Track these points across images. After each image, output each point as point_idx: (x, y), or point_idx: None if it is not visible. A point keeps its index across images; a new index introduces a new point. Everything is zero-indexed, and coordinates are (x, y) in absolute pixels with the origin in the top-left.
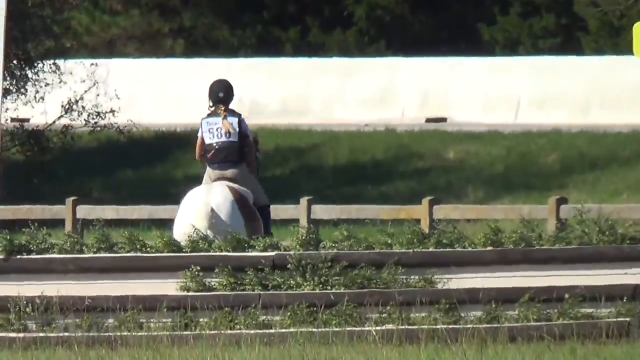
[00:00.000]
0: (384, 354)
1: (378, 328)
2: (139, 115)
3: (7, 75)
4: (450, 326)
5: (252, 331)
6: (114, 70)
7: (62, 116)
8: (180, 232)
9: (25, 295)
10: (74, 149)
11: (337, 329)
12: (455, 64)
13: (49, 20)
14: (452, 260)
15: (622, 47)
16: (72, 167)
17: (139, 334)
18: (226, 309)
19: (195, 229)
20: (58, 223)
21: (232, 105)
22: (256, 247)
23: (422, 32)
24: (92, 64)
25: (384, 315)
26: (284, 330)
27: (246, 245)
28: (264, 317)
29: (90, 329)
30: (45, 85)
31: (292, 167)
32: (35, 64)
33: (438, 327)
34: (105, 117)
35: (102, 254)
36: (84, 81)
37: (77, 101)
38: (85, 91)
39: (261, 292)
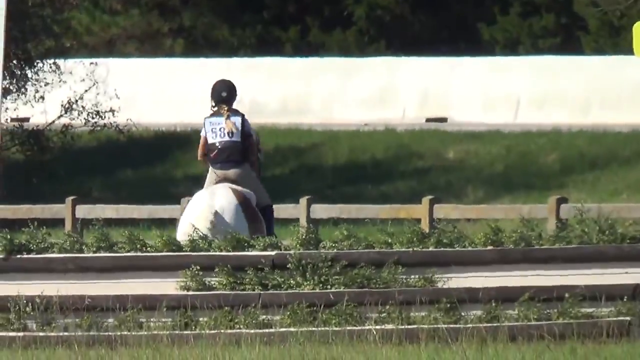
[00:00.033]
0: (384, 353)
1: (378, 327)
2: (139, 114)
3: (7, 74)
4: (451, 325)
5: (252, 330)
6: (113, 70)
7: (61, 116)
8: (184, 233)
9: (25, 295)
10: (73, 149)
11: (337, 329)
12: (455, 63)
13: (49, 20)
14: (452, 260)
15: (622, 46)
16: (71, 167)
17: (139, 333)
18: (226, 308)
19: (196, 229)
20: (58, 222)
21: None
22: (256, 246)
23: (422, 31)
24: (91, 64)
25: (384, 314)
26: (284, 329)
27: (246, 244)
28: (264, 316)
29: (90, 328)
30: (45, 85)
31: (292, 167)
32: (35, 64)
33: (438, 326)
34: (105, 116)
35: (102, 254)
36: (83, 81)
37: (77, 101)
38: (85, 91)
39: (261, 292)
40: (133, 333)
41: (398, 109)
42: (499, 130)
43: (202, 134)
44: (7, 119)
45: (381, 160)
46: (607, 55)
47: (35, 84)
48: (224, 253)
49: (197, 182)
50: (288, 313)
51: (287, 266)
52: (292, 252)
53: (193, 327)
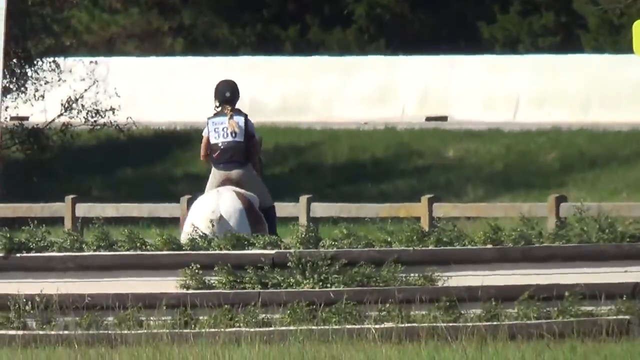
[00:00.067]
0: (384, 352)
1: (378, 326)
2: (139, 113)
3: (7, 73)
4: (450, 324)
5: (252, 329)
6: (113, 69)
7: (61, 114)
8: (189, 234)
9: (25, 293)
10: (73, 147)
11: (336, 327)
12: (455, 62)
13: (49, 18)
14: (451, 258)
15: (622, 45)
16: (71, 166)
17: (139, 331)
18: (226, 306)
19: (195, 227)
20: (58, 221)
21: None
22: (256, 245)
23: (422, 30)
24: (91, 62)
25: (384, 313)
26: (283, 328)
27: (246, 243)
28: (264, 315)
29: (90, 327)
30: (45, 84)
31: (291, 166)
32: (35, 62)
33: (438, 325)
34: (104, 115)
35: (102, 252)
36: (83, 79)
37: (76, 99)
38: (85, 89)
39: (261, 290)
40: (133, 331)
41: (398, 108)
42: (499, 129)
43: (205, 133)
44: (6, 118)
45: (381, 159)
46: (607, 53)
47: (35, 83)
48: (223, 252)
49: (197, 181)
50: (288, 312)
51: (287, 265)
52: (292, 250)
53: (193, 326)
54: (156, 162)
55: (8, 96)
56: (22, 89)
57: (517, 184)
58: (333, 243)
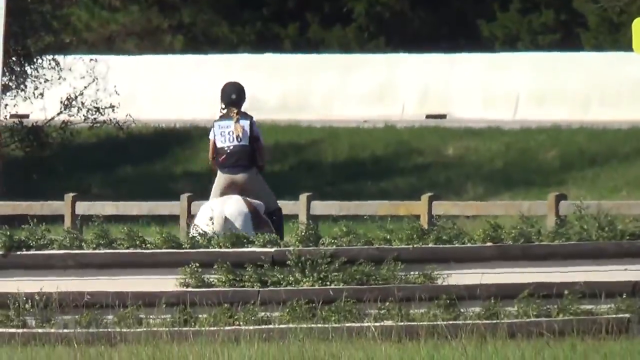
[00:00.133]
0: (384, 350)
1: (377, 324)
2: (138, 111)
3: (6, 71)
4: (450, 322)
5: (251, 327)
6: (113, 66)
7: (61, 112)
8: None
9: (24, 291)
10: (73, 145)
11: (336, 325)
12: (455, 60)
13: (48, 16)
14: (451, 256)
15: (622, 43)
16: (71, 163)
17: (139, 330)
18: (225, 305)
19: (195, 226)
20: (57, 219)
21: None
22: (255, 243)
23: (422, 28)
24: (91, 60)
25: (383, 311)
26: (283, 326)
27: (245, 241)
28: (263, 313)
29: (89, 325)
30: (45, 81)
31: (291, 163)
32: (35, 60)
33: (437, 323)
34: (104, 113)
35: (102, 250)
36: (83, 77)
37: (76, 97)
38: (85, 87)
39: (260, 289)
40: (132, 330)
41: (398, 106)
42: (499, 127)
43: (211, 137)
44: (6, 116)
45: (381, 156)
46: (606, 51)
47: (34, 81)
48: (223, 250)
49: (196, 179)
50: (287, 310)
51: (287, 263)
52: (291, 248)
53: (192, 324)
54: (156, 160)
55: (7, 94)
56: (22, 86)
57: (517, 182)
58: (333, 241)
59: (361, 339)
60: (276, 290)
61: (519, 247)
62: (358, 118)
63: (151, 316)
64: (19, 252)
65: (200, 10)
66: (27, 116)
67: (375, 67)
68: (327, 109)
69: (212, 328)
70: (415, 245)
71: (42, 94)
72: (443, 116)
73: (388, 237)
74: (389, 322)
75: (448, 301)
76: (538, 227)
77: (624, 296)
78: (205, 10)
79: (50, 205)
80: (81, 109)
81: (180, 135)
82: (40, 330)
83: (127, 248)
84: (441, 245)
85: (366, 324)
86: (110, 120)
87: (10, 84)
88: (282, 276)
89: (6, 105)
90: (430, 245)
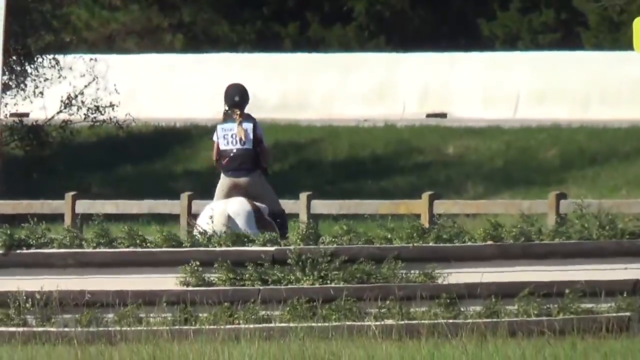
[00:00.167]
0: (384, 348)
1: (378, 323)
2: (139, 110)
3: (6, 70)
4: (450, 321)
5: (252, 326)
6: (113, 65)
7: (61, 111)
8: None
9: (24, 290)
10: (73, 144)
11: (336, 324)
12: (455, 59)
13: (48, 15)
14: (452, 255)
15: (622, 42)
16: (71, 162)
17: (139, 328)
18: (226, 303)
19: (197, 226)
20: (57, 218)
21: None
22: (256, 241)
23: (422, 27)
24: (91, 59)
25: (384, 310)
26: (283, 325)
27: (246, 240)
28: (264, 312)
29: (89, 323)
30: (45, 80)
31: (291, 162)
32: (35, 59)
33: (438, 321)
34: (104, 112)
35: (102, 249)
36: (83, 76)
37: (76, 96)
38: (85, 86)
39: (261, 287)
40: (133, 328)
41: (398, 105)
42: (499, 126)
43: (215, 139)
44: (6, 115)
45: (381, 155)
46: (607, 50)
47: (34, 80)
48: (223, 248)
49: (196, 178)
50: (288, 308)
51: (287, 261)
52: (291, 247)
53: (193, 323)
54: (156, 158)
55: (8, 93)
56: (22, 85)
57: (517, 181)
58: (333, 240)
59: (362, 337)
60: (277, 289)
61: (520, 246)
62: (358, 117)
63: (151, 315)
64: (19, 251)
65: (200, 9)
66: (27, 115)
67: (375, 66)
68: (327, 108)
69: (212, 327)
70: (415, 244)
71: (42, 93)
72: (443, 115)
73: (388, 236)
74: (389, 321)
75: (448, 300)
76: (538, 226)
77: (625, 295)
78: (206, 9)
79: (50, 204)
80: (81, 108)
81: (180, 134)
82: (40, 329)
83: (128, 247)
84: (442, 244)
85: (367, 323)
86: (111, 119)
87: (11, 83)
88: (282, 275)
89: (6, 104)
90: (430, 244)
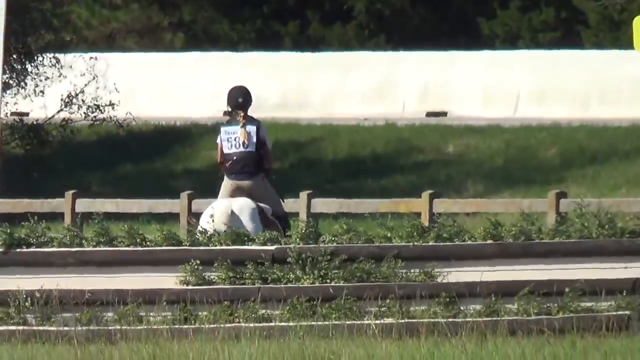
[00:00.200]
0: (384, 347)
1: (378, 322)
2: (139, 109)
3: (6, 69)
4: (450, 320)
5: (252, 325)
6: (113, 64)
7: (61, 110)
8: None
9: (24, 289)
10: (73, 143)
11: (336, 323)
12: (455, 58)
13: (48, 13)
14: (451, 254)
15: (622, 41)
16: (71, 161)
17: (139, 327)
18: (226, 302)
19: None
20: (57, 216)
21: None
22: (256, 240)
23: (422, 26)
24: (91, 58)
25: (384, 308)
26: (283, 323)
27: (246, 239)
28: (264, 310)
29: (89, 322)
30: (45, 79)
31: (291, 161)
32: (35, 58)
33: (438, 320)
34: (104, 110)
35: (102, 248)
36: (83, 75)
37: (76, 95)
38: (85, 85)
39: (261, 286)
40: (133, 327)
41: (398, 104)
42: (499, 125)
43: (218, 141)
44: (6, 113)
45: (381, 154)
46: (607, 49)
47: (35, 78)
48: (223, 247)
49: (196, 176)
50: (288, 307)
51: (287, 260)
52: (291, 246)
53: (193, 322)
54: (156, 157)
55: (8, 92)
56: (22, 84)
57: (517, 180)
58: (333, 239)
59: (361, 336)
60: (276, 287)
61: (519, 245)
62: (358, 116)
63: (151, 314)
64: (19, 250)
65: (200, 8)
66: (27, 114)
67: (375, 65)
68: (328, 107)
69: (212, 325)
70: (415, 243)
71: (42, 92)
72: (443, 114)
73: (388, 234)
74: (389, 320)
75: (448, 299)
76: (538, 225)
77: (624, 294)
78: (206, 8)
79: (50, 203)
80: (81, 107)
81: (180, 132)
82: (40, 328)
83: (128, 246)
84: (441, 243)
85: (366, 322)
86: (111, 117)
87: (11, 81)
88: (282, 274)
89: (7, 103)
90: (430, 242)
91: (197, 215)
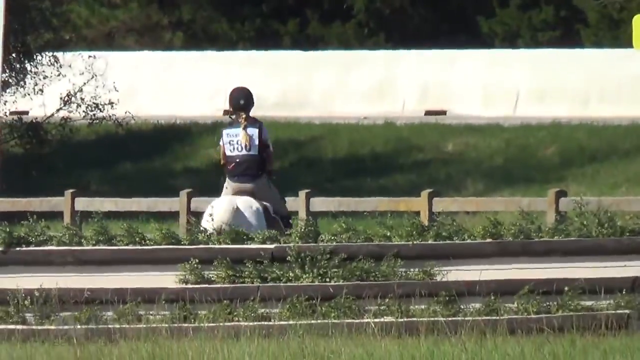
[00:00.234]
0: (383, 346)
1: (377, 320)
2: (138, 107)
3: (6, 68)
4: (450, 318)
5: (251, 323)
6: (112, 63)
7: (60, 109)
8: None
9: (24, 288)
10: (72, 142)
11: (336, 321)
12: (455, 57)
13: (48, 12)
14: (451, 253)
15: (622, 40)
16: (70, 160)
17: (138, 326)
18: (225, 301)
19: (204, 225)
20: (57, 215)
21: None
22: (255, 239)
23: (422, 24)
24: (90, 57)
25: (383, 307)
26: (282, 322)
27: (245, 237)
28: (263, 309)
29: (89, 321)
30: (44, 78)
31: (291, 160)
32: (34, 57)
33: (437, 319)
34: (103, 109)
35: (101, 247)
36: (82, 74)
37: (75, 94)
38: (84, 84)
39: (260, 285)
40: (132, 326)
41: (397, 102)
42: (499, 124)
43: (221, 143)
44: (5, 112)
45: (381, 153)
46: (606, 48)
47: (34, 77)
48: (223, 246)
49: (196, 175)
50: (287, 306)
51: (286, 259)
52: (291, 245)
53: (192, 320)
54: (155, 156)
55: (7, 90)
56: (22, 83)
57: (517, 179)
58: (332, 237)
59: (361, 335)
60: (276, 286)
61: (519, 244)
62: (358, 115)
63: (151, 312)
64: (18, 249)
65: (199, 7)
66: (26, 113)
67: (375, 64)
68: (327, 106)
69: (211, 324)
70: (415, 242)
71: (41, 91)
72: (443, 113)
73: (388, 233)
74: (388, 319)
75: (448, 297)
76: (538, 224)
77: (624, 292)
78: (205, 7)
79: (49, 202)
80: (80, 106)
81: (179, 131)
82: (39, 327)
83: (127, 244)
84: (441, 242)
85: (366, 320)
86: (110, 116)
87: (10, 80)
88: (281, 272)
89: (5, 101)
90: (430, 241)
91: (196, 214)
